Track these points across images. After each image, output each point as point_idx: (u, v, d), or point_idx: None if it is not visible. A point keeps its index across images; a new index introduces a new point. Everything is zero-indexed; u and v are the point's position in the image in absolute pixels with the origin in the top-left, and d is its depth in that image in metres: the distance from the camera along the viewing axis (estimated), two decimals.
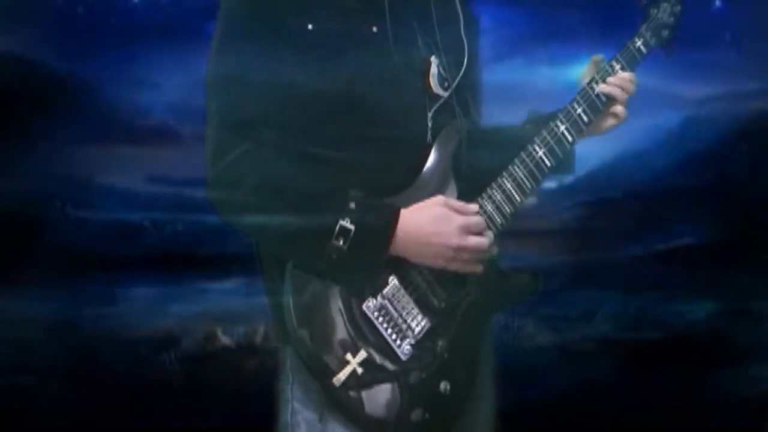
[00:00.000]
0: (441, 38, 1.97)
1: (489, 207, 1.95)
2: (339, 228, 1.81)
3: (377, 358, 1.85)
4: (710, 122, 4.13)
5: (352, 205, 1.82)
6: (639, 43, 2.09)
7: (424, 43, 1.96)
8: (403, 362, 1.86)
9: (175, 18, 3.86)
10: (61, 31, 3.88)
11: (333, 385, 1.82)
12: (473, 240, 1.88)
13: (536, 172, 1.98)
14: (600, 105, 2.05)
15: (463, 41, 2.02)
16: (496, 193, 1.95)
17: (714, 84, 4.07)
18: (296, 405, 1.91)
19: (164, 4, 3.98)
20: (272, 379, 1.98)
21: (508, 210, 1.96)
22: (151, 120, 4.01)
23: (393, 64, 1.90)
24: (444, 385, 1.89)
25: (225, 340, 3.97)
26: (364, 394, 1.83)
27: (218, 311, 3.96)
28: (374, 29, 1.90)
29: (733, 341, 3.86)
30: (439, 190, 1.93)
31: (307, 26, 1.86)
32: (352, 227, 1.81)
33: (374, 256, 1.85)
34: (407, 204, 1.89)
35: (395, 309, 1.87)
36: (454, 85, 1.97)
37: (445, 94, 1.96)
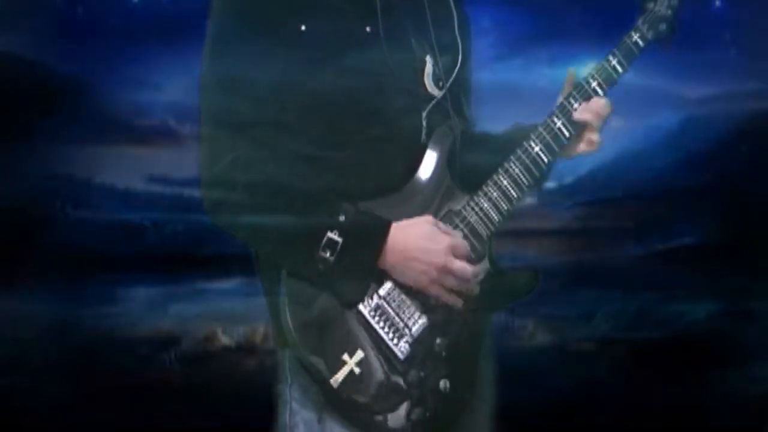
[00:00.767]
0: (435, 38, 1.97)
1: (485, 204, 1.94)
2: (326, 239, 1.81)
3: (375, 358, 1.84)
4: (710, 122, 4.13)
5: (342, 218, 1.82)
6: (636, 37, 2.07)
7: (418, 43, 1.95)
8: (402, 361, 1.86)
9: (175, 18, 3.86)
10: (61, 31, 3.88)
11: (331, 386, 1.82)
12: (458, 264, 1.86)
13: (533, 168, 1.97)
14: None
15: (457, 41, 2.01)
16: (492, 191, 1.95)
17: (714, 84, 4.07)
18: (295, 406, 1.91)
19: (164, 4, 3.98)
20: (272, 380, 1.98)
21: (505, 207, 1.95)
22: (151, 120, 4.01)
23: (386, 64, 1.90)
24: (444, 384, 1.89)
25: (225, 340, 3.97)
26: (362, 394, 1.83)
27: (218, 311, 3.97)
28: (368, 29, 1.90)
29: (733, 341, 3.86)
30: (436, 190, 1.93)
31: (300, 27, 1.86)
32: (340, 240, 1.81)
33: (362, 268, 1.84)
34: (403, 204, 1.89)
35: (392, 309, 1.86)
36: (448, 84, 1.97)
37: (440, 94, 1.96)
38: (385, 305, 1.86)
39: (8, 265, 3.62)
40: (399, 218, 1.88)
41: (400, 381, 1.85)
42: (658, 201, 4.13)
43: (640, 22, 2.09)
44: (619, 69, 2.04)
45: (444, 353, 1.89)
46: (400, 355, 1.86)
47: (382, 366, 1.84)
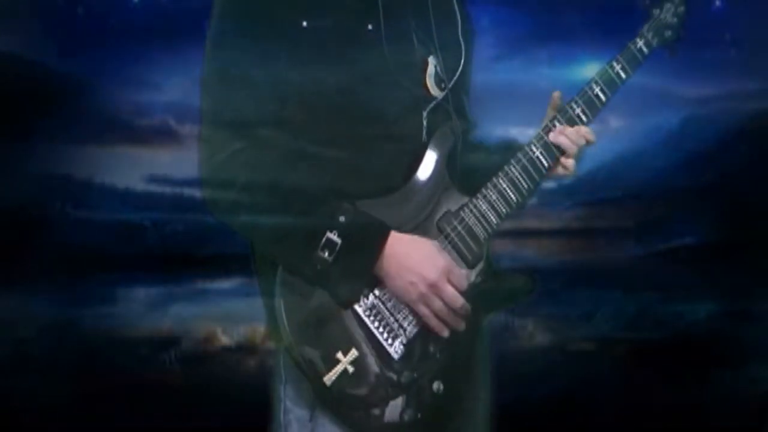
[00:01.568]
0: (438, 38, 1.97)
1: (483, 206, 1.94)
2: (325, 240, 1.81)
3: (369, 357, 1.84)
4: (710, 122, 4.13)
5: (342, 218, 1.82)
6: (641, 43, 2.07)
7: (421, 43, 1.95)
8: (396, 362, 1.86)
9: (175, 18, 3.86)
10: (61, 31, 3.88)
11: (324, 384, 1.82)
12: (450, 288, 1.86)
13: (532, 171, 1.97)
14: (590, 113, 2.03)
15: (460, 42, 2.01)
16: (490, 193, 1.95)
17: (714, 84, 4.07)
18: (288, 404, 1.91)
19: (164, 4, 3.98)
20: (272, 379, 1.98)
21: (504, 210, 1.95)
22: (151, 120, 4.01)
23: (388, 62, 1.89)
24: (437, 385, 1.88)
25: (225, 340, 3.97)
26: (355, 393, 1.83)
27: (218, 311, 3.96)
28: (369, 27, 1.90)
29: (733, 341, 3.86)
30: (435, 190, 1.93)
31: (301, 24, 1.86)
32: (339, 241, 1.81)
33: (358, 270, 1.84)
34: (402, 204, 1.89)
35: (387, 309, 1.86)
36: (451, 85, 1.97)
37: (441, 95, 1.96)
38: (381, 305, 1.86)
39: (8, 265, 3.61)
40: (397, 218, 1.89)
41: (394, 381, 1.85)
42: (658, 201, 4.13)
43: (645, 28, 2.08)
44: (623, 75, 2.04)
45: (438, 354, 1.89)
46: (395, 355, 1.86)
47: (376, 365, 1.84)
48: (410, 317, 1.88)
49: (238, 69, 1.85)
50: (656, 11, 2.10)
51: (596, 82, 2.04)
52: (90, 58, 3.86)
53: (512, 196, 1.95)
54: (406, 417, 1.85)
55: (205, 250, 3.85)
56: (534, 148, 1.98)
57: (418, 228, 1.90)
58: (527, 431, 3.36)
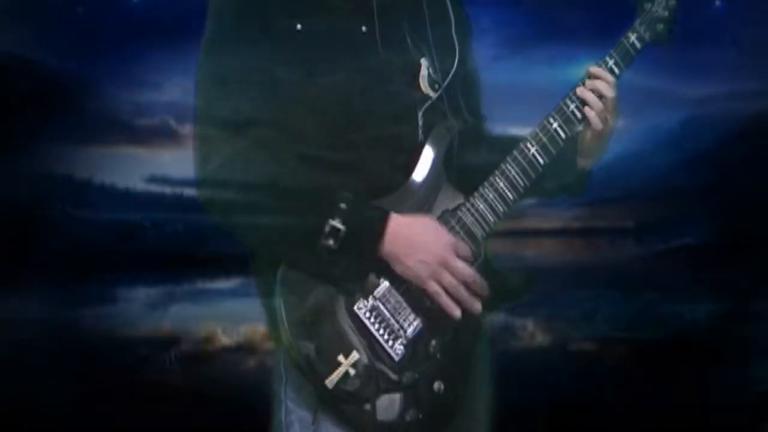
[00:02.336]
0: (432, 39, 1.97)
1: (481, 206, 1.94)
2: (329, 228, 1.81)
3: (370, 359, 1.84)
4: (710, 122, 4.13)
5: (343, 205, 1.82)
6: (633, 38, 2.07)
7: (414, 44, 1.95)
8: (396, 363, 1.86)
9: (175, 18, 3.86)
10: (61, 31, 3.87)
11: (326, 386, 1.82)
12: (459, 262, 1.87)
13: (529, 169, 1.97)
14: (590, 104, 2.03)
15: (454, 42, 2.01)
16: (488, 192, 1.95)
17: (714, 84, 4.06)
18: (290, 404, 1.91)
19: (164, 4, 3.98)
20: (271, 379, 1.98)
21: (501, 209, 1.95)
22: (151, 120, 4.01)
23: (382, 64, 1.90)
24: (437, 385, 1.89)
25: (225, 340, 3.97)
26: (356, 394, 1.83)
27: (218, 311, 3.96)
28: (363, 29, 1.90)
29: (733, 341, 3.86)
30: (432, 190, 1.93)
31: (296, 26, 1.87)
32: (343, 227, 1.81)
33: (365, 256, 1.84)
34: (399, 204, 1.89)
35: (387, 310, 1.86)
36: (444, 85, 1.97)
37: (435, 95, 1.96)
38: (381, 306, 1.86)
39: (8, 265, 3.61)
40: None
41: (395, 382, 1.85)
42: (658, 201, 4.13)
43: (637, 23, 2.08)
44: (616, 70, 2.04)
45: (439, 355, 1.89)
46: (395, 357, 1.86)
47: (377, 367, 1.85)
48: (410, 318, 1.88)
49: (233, 70, 1.85)
50: (648, 5, 2.10)
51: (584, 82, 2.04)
52: (90, 58, 3.86)
53: (510, 195, 1.95)
54: (407, 417, 1.86)
55: (205, 250, 3.85)
56: (530, 146, 1.98)
57: None
58: (527, 431, 3.36)
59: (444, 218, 1.92)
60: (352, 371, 1.83)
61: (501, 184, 1.95)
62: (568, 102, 2.01)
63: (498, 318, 2.10)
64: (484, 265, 1.94)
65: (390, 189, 1.90)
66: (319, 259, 1.82)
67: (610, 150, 2.09)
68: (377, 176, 1.89)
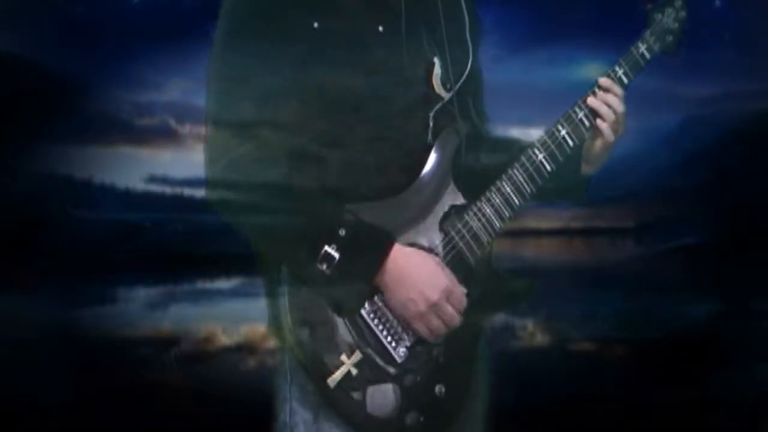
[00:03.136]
0: (447, 40, 1.97)
1: (488, 210, 1.94)
2: (324, 253, 1.81)
3: (373, 360, 1.85)
4: (710, 122, 4.12)
5: (342, 232, 1.82)
6: (642, 48, 2.08)
7: (429, 44, 1.95)
8: (399, 365, 1.86)
9: (175, 18, 3.86)
10: (61, 31, 3.87)
11: (328, 385, 1.82)
12: (450, 309, 1.86)
13: (536, 176, 1.97)
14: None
15: (468, 43, 2.01)
16: (495, 197, 1.95)
17: (714, 84, 4.06)
18: (294, 405, 1.91)
19: (164, 4, 3.98)
20: (272, 379, 1.98)
21: (507, 214, 1.95)
22: (151, 120, 4.01)
23: (397, 63, 1.90)
24: (439, 389, 1.89)
25: (225, 340, 3.97)
26: (358, 395, 1.84)
27: (218, 311, 3.96)
28: (380, 28, 1.90)
29: (733, 341, 3.86)
30: (438, 191, 1.93)
31: (312, 25, 1.86)
32: (337, 255, 1.81)
33: (355, 286, 1.84)
34: (404, 205, 1.89)
35: (392, 312, 1.87)
36: (457, 87, 1.97)
37: (447, 96, 1.96)
38: (385, 308, 1.86)
39: (8, 265, 3.61)
40: (401, 219, 1.89)
41: (397, 384, 1.85)
42: (658, 201, 4.13)
43: (647, 33, 2.09)
44: (625, 80, 2.05)
45: (441, 358, 1.89)
46: (398, 359, 1.86)
47: (379, 368, 1.85)
48: None
49: (247, 69, 1.85)
50: (658, 16, 2.11)
51: (599, 86, 2.04)
52: (90, 58, 3.86)
53: (516, 200, 1.96)
54: (408, 420, 1.86)
55: (205, 250, 3.85)
56: (538, 152, 1.98)
57: (421, 229, 1.90)
58: (527, 431, 3.36)
59: (450, 221, 1.92)
60: (354, 371, 1.83)
61: (508, 189, 1.96)
62: (577, 110, 2.01)
63: (498, 318, 2.09)
64: (487, 268, 1.94)
65: (396, 190, 1.90)
66: (313, 275, 1.82)
67: None
68: (385, 177, 1.89)
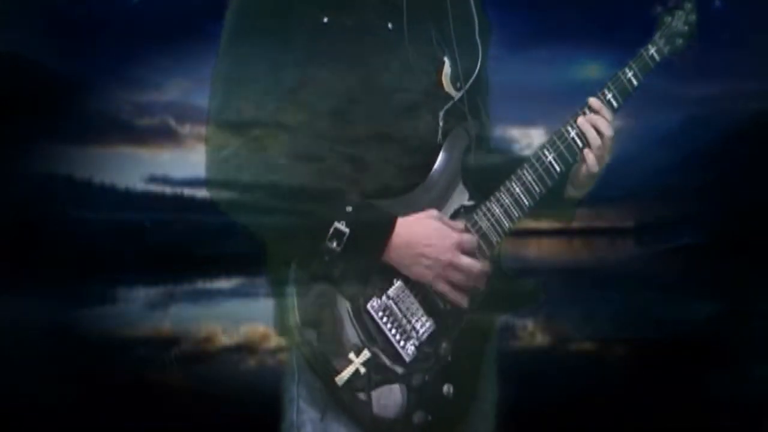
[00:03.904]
0: (456, 39, 1.97)
1: (497, 210, 1.94)
2: (333, 230, 1.81)
3: (381, 358, 1.85)
4: (710, 122, 4.12)
5: (349, 208, 1.82)
6: (652, 50, 2.08)
7: (438, 43, 1.95)
8: (407, 364, 1.86)
9: (175, 18, 3.86)
10: (61, 31, 3.87)
11: (336, 384, 1.82)
12: (466, 260, 1.87)
13: (545, 176, 1.97)
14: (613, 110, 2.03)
15: (477, 43, 2.02)
16: (504, 197, 1.95)
17: (714, 84, 4.06)
18: (302, 404, 1.92)
19: (164, 4, 3.98)
20: (272, 379, 1.98)
21: (516, 214, 1.96)
22: (151, 120, 4.01)
23: (406, 61, 1.90)
24: (447, 388, 1.89)
25: (225, 340, 3.97)
26: (366, 394, 1.84)
27: (218, 311, 3.96)
28: (390, 25, 1.90)
29: (733, 341, 3.86)
30: (447, 191, 1.93)
31: (322, 19, 1.86)
32: (347, 230, 1.81)
33: (367, 261, 1.84)
34: (413, 203, 1.89)
35: (400, 310, 1.87)
36: (467, 86, 1.97)
37: (457, 95, 1.96)
38: (394, 306, 1.86)
39: (8, 265, 3.61)
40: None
41: (404, 384, 1.85)
42: (658, 201, 4.13)
43: (657, 36, 2.10)
44: (634, 82, 2.05)
45: (449, 357, 1.89)
46: (406, 358, 1.86)
47: (388, 367, 1.85)
48: (423, 319, 1.88)
49: (254, 67, 1.85)
50: (668, 19, 2.11)
51: (609, 89, 2.05)
52: (90, 58, 3.86)
53: (525, 201, 1.96)
54: (416, 419, 1.86)
55: (205, 250, 3.84)
56: (547, 153, 1.98)
57: None
58: (527, 431, 3.36)
59: (458, 221, 1.92)
60: (362, 369, 1.83)
61: (517, 189, 1.96)
62: (586, 111, 2.01)
63: (498, 318, 2.09)
64: (496, 269, 1.94)
65: (405, 188, 1.91)
66: (320, 260, 1.82)
67: None
68: (394, 176, 1.90)
